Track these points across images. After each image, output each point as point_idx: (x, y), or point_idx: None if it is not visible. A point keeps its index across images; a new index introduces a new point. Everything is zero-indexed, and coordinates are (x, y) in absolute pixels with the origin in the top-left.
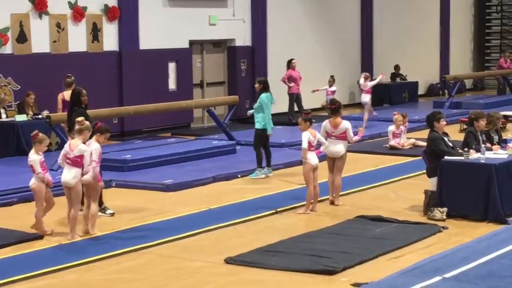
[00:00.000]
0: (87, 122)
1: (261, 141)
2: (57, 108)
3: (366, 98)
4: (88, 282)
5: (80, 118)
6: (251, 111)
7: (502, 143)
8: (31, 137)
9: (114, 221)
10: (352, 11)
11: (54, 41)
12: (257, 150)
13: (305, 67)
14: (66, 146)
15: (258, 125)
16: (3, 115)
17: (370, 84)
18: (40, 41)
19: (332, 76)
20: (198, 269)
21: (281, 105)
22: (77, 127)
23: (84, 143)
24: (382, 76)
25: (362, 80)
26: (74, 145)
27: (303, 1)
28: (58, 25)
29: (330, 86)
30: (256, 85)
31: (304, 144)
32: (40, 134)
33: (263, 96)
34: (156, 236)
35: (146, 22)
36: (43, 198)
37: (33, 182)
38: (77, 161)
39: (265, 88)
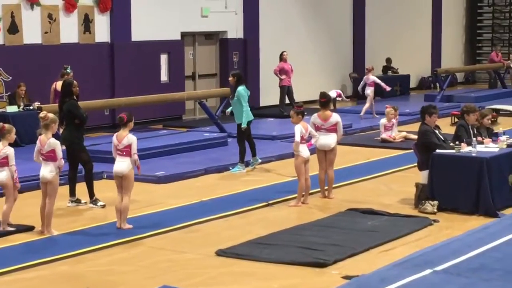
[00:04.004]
0: (50, 115)
1: (244, 134)
2: (50, 98)
3: (368, 90)
4: (79, 274)
5: (42, 114)
6: (229, 109)
7: (494, 137)
8: None
9: (105, 213)
10: (345, 3)
11: (46, 32)
12: (240, 145)
13: (297, 60)
14: (38, 142)
15: (239, 120)
16: None
17: (373, 77)
18: (32, 32)
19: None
20: (189, 261)
21: (273, 98)
22: (42, 122)
23: (53, 135)
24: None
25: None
26: (44, 141)
27: None
28: (50, 16)
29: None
30: (230, 79)
31: (297, 137)
32: (6, 125)
33: (240, 89)
34: (148, 228)
35: (138, 13)
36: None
37: (5, 176)
38: (51, 156)
39: (240, 81)
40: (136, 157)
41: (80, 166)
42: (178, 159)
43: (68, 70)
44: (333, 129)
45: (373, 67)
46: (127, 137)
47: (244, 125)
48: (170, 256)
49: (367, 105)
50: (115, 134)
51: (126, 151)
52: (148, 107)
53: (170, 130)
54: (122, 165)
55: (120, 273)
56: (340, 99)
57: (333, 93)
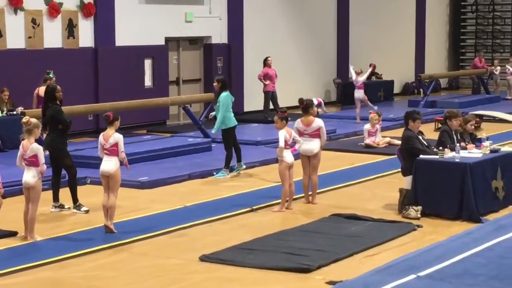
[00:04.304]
0: (33, 120)
1: (230, 140)
2: (33, 103)
3: (358, 93)
4: (62, 279)
5: (25, 119)
6: (213, 113)
7: (477, 142)
8: None
9: (89, 218)
10: (328, 9)
11: (29, 37)
12: (228, 150)
13: (281, 65)
14: (21, 147)
15: (223, 126)
16: None
17: (361, 79)
18: (15, 37)
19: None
20: (173, 267)
21: (257, 103)
22: (24, 128)
23: (36, 140)
24: (372, 67)
25: (354, 76)
26: (27, 146)
27: None
28: (34, 21)
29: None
30: (215, 84)
31: (281, 143)
32: None
33: (223, 95)
34: (131, 234)
35: (122, 18)
36: None
37: None
38: (33, 161)
39: (224, 86)
40: (123, 155)
41: (63, 171)
42: (162, 164)
43: (51, 75)
44: (316, 134)
45: (362, 70)
46: (113, 136)
47: (213, 131)
48: (154, 262)
49: (370, 104)
50: (101, 134)
51: (113, 150)
52: (132, 112)
53: (154, 135)
54: (109, 164)
55: (104, 278)
56: (320, 109)
57: (314, 101)
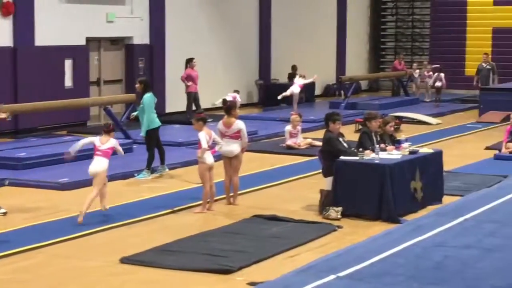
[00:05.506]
0: None
1: (153, 141)
2: None
3: (297, 90)
4: None
5: None
6: (134, 113)
7: (396, 144)
8: None
9: (7, 220)
10: (251, 11)
11: None
12: (150, 151)
13: (203, 66)
14: None
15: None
16: None
17: (303, 82)
18: None
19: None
20: (93, 269)
21: (179, 104)
22: None
23: None
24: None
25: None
26: None
27: (202, 0)
28: None
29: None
30: (137, 85)
31: (203, 144)
32: None
33: (146, 97)
34: (51, 236)
35: (42, 18)
36: None
37: None
38: None
39: (147, 88)
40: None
41: None
42: (83, 166)
43: None
44: (236, 136)
45: (305, 76)
46: (110, 141)
47: (142, 134)
48: (73, 264)
49: (295, 106)
50: (98, 138)
51: (106, 152)
52: (52, 113)
53: (75, 136)
54: (98, 165)
55: (23, 281)
56: None
57: (228, 98)
